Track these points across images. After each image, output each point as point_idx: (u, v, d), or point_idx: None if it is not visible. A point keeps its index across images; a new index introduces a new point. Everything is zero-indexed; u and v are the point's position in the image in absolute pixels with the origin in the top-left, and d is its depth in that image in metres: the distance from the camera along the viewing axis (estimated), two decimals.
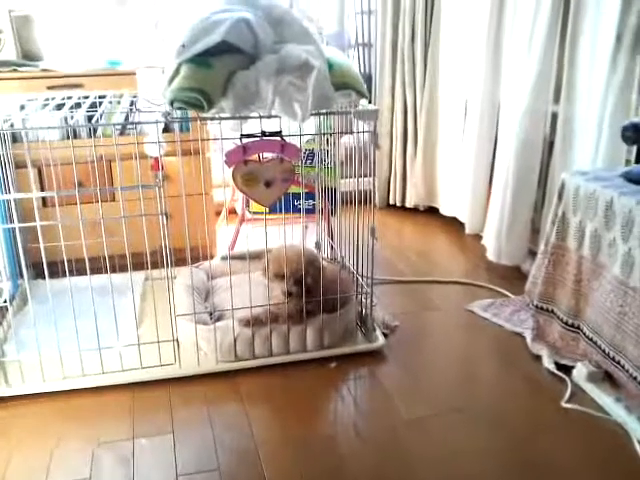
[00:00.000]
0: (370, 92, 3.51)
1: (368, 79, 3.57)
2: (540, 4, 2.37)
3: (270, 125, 1.79)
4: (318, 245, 2.64)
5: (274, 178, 1.82)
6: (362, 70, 3.66)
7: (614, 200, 1.80)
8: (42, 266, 1.79)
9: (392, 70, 3.48)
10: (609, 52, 2.10)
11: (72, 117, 1.78)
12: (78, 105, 1.95)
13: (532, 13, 2.41)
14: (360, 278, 2.17)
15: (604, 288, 1.85)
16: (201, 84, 1.66)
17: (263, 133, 1.78)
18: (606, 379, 1.86)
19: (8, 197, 2.12)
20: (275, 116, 1.76)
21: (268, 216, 1.95)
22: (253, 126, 1.79)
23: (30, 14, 2.75)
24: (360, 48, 3.65)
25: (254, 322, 1.98)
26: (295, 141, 1.83)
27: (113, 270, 1.87)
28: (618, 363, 1.81)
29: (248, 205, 2.80)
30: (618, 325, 1.78)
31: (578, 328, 2.01)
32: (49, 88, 2.49)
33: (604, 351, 1.86)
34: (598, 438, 1.68)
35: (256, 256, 2.32)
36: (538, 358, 2.03)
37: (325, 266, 2.10)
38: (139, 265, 1.99)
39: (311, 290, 2.02)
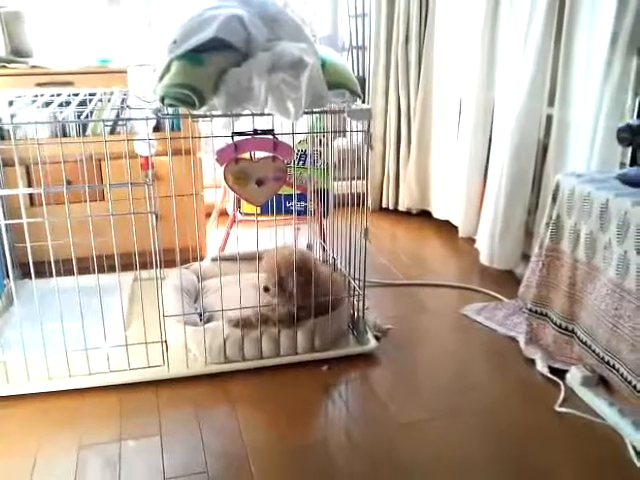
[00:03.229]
0: (364, 95, 3.50)
1: (362, 82, 3.55)
2: (535, 5, 2.36)
3: (262, 123, 1.77)
4: (310, 247, 2.62)
5: (266, 177, 1.80)
6: (356, 73, 3.64)
7: (610, 202, 1.79)
8: (29, 266, 1.75)
9: (386, 73, 3.47)
10: (604, 53, 2.09)
11: (61, 114, 1.75)
12: (68, 103, 1.93)
13: (527, 14, 2.40)
14: (352, 281, 2.15)
15: (599, 291, 1.83)
16: (192, 80, 1.64)
17: (255, 131, 1.76)
18: (600, 383, 1.85)
19: None
20: (268, 114, 1.73)
21: (259, 217, 1.92)
22: (245, 124, 1.77)
23: (20, 10, 2.72)
24: (354, 51, 3.64)
25: (244, 323, 1.95)
26: (287, 140, 1.81)
27: (101, 271, 1.84)
28: (613, 367, 1.79)
29: (239, 206, 2.78)
30: (613, 328, 1.76)
31: (572, 332, 1.99)
32: (38, 85, 2.46)
33: (598, 355, 1.85)
34: (592, 442, 1.66)
35: (247, 258, 2.29)
36: (531, 362, 2.01)
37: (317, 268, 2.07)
38: (128, 266, 1.96)
39: (301, 291, 1.99)
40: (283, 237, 2.05)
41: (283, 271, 1.97)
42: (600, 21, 2.12)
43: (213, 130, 1.79)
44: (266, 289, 1.99)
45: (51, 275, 1.82)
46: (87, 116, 1.82)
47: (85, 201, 1.99)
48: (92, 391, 1.84)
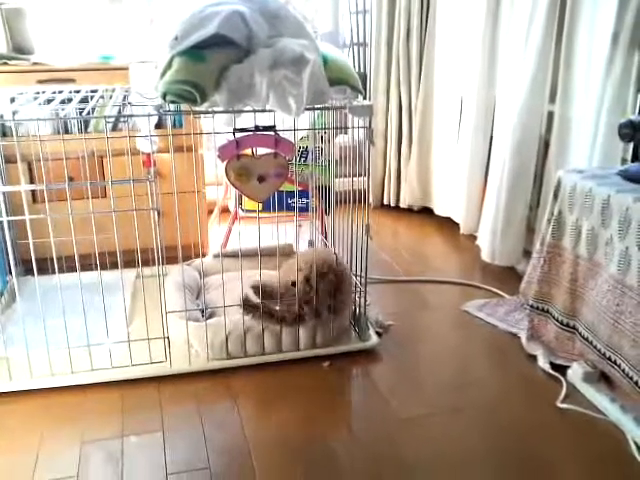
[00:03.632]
0: (365, 91, 3.49)
1: (363, 78, 3.55)
2: (537, 2, 2.35)
3: (264, 120, 1.77)
4: (311, 244, 2.62)
5: (267, 173, 1.80)
6: (357, 69, 3.64)
7: (611, 198, 1.79)
8: (31, 262, 1.76)
9: (387, 70, 3.47)
10: (606, 49, 2.09)
11: (63, 110, 1.75)
12: (69, 100, 1.93)
13: (529, 11, 2.39)
14: (354, 277, 2.15)
15: (600, 287, 1.83)
16: (194, 77, 1.64)
17: (257, 128, 1.76)
18: (602, 379, 1.85)
19: None
20: (269, 110, 1.73)
21: (261, 214, 1.92)
22: (247, 120, 1.77)
23: (22, 7, 2.72)
24: (355, 48, 3.64)
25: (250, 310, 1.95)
26: (289, 137, 1.81)
27: (103, 267, 1.84)
28: (614, 363, 1.79)
29: (241, 203, 2.78)
30: (614, 324, 1.76)
31: (574, 328, 1.99)
32: (40, 82, 2.46)
33: (600, 351, 1.85)
34: (594, 438, 1.66)
35: (249, 254, 2.29)
36: (533, 358, 2.01)
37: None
38: (130, 262, 1.96)
39: (327, 293, 1.99)
40: (285, 234, 2.06)
41: (315, 269, 1.96)
42: (601, 17, 2.12)
43: (215, 126, 1.79)
44: (293, 284, 1.99)
45: (53, 272, 1.83)
46: (89, 113, 1.82)
47: (87, 198, 1.99)
48: (94, 387, 1.85)
